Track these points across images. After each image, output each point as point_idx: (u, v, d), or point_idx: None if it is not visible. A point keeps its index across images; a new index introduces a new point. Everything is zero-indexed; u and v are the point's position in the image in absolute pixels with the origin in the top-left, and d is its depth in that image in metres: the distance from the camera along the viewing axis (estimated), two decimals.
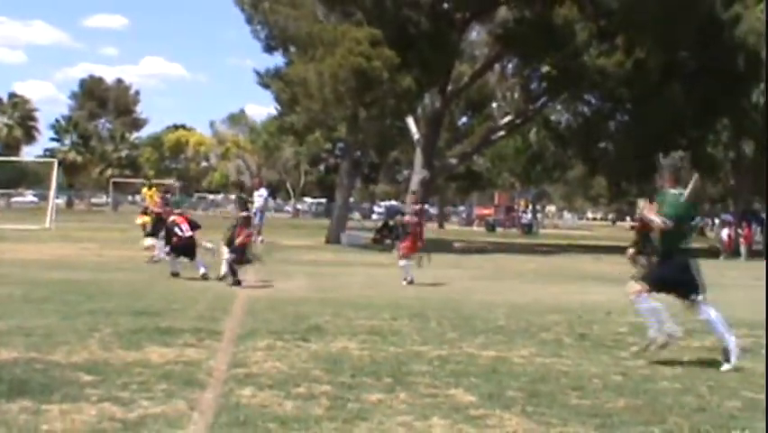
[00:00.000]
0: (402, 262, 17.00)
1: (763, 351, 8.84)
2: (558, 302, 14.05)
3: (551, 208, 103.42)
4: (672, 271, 8.39)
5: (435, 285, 16.66)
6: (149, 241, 19.00)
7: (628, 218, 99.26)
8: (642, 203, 9.36)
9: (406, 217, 17.95)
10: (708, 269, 9.20)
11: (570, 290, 16.70)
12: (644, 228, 17.83)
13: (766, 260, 21.71)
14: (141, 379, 6.83)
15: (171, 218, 16.90)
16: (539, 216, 79.19)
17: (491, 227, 61.61)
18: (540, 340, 9.65)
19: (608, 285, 18.02)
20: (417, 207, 18.07)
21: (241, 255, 15.35)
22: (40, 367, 7.17)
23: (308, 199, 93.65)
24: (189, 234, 16.49)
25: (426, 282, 16.53)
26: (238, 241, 15.30)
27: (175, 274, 16.16)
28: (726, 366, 8.14)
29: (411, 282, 16.48)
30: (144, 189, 23.74)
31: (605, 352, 8.93)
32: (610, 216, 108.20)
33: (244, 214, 16.30)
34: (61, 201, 65.13)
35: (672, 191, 8.44)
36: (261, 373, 7.23)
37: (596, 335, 10.20)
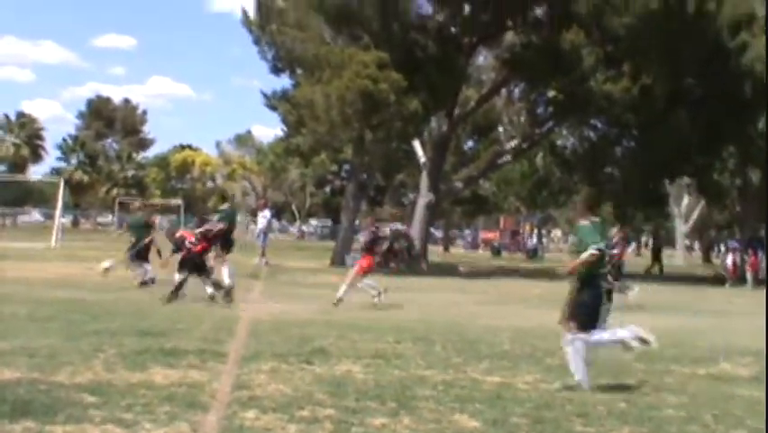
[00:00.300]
0: (363, 283, 17.04)
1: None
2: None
3: (556, 233, 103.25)
4: (595, 302, 8.36)
5: (440, 309, 16.62)
6: (106, 263, 19.09)
7: (634, 244, 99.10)
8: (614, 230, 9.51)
9: (362, 238, 18.17)
10: (714, 296, 9.20)
11: None
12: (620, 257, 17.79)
13: (767, 287, 21.62)
14: (145, 401, 6.82)
15: (178, 234, 16.98)
16: (544, 240, 79.09)
17: (497, 251, 61.49)
18: (545, 366, 9.62)
19: (611, 312, 17.97)
20: (373, 228, 18.24)
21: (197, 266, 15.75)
22: (43, 388, 7.16)
23: (314, 221, 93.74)
24: (198, 247, 16.59)
25: (431, 306, 16.49)
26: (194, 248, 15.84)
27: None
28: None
29: (340, 301, 16.33)
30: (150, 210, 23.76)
31: (611, 378, 8.89)
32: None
33: (202, 229, 16.57)
34: (67, 220, 65.28)
35: (586, 222, 8.48)
36: (265, 396, 7.21)
37: (601, 361, 10.15)
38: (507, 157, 39.19)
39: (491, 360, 9.86)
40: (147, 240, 19.02)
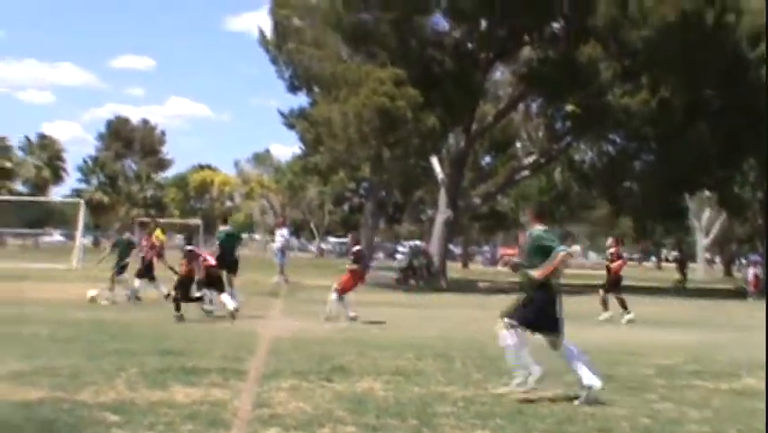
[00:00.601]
0: (333, 297, 17.03)
1: None
2: (582, 343, 13.90)
3: (575, 248, 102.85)
4: (547, 306, 8.45)
5: (460, 325, 16.59)
6: (92, 292, 19.30)
7: (653, 258, 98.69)
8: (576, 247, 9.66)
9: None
10: (735, 310, 9.15)
11: (594, 331, 16.56)
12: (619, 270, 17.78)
13: (766, 298, 21.41)
14: (167, 419, 6.84)
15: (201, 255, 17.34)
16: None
17: (516, 267, 61.37)
18: (566, 381, 9.56)
19: (630, 326, 17.89)
20: (357, 248, 18.09)
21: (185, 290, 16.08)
22: (67, 407, 7.20)
23: (332, 239, 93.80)
24: (214, 263, 16.90)
25: (450, 322, 16.46)
26: (181, 271, 16.30)
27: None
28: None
29: (329, 319, 16.39)
30: (158, 232, 23.91)
31: (632, 394, 8.84)
32: (636, 256, 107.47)
33: (188, 248, 16.92)
34: (88, 241, 65.62)
35: (541, 227, 8.65)
36: (286, 414, 7.22)
37: (622, 376, 10.10)
38: (525, 172, 39.14)
39: (512, 375, 9.81)
40: (128, 259, 19.84)
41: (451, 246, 46.83)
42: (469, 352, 11.86)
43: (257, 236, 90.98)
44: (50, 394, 7.72)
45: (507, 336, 8.41)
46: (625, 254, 21.90)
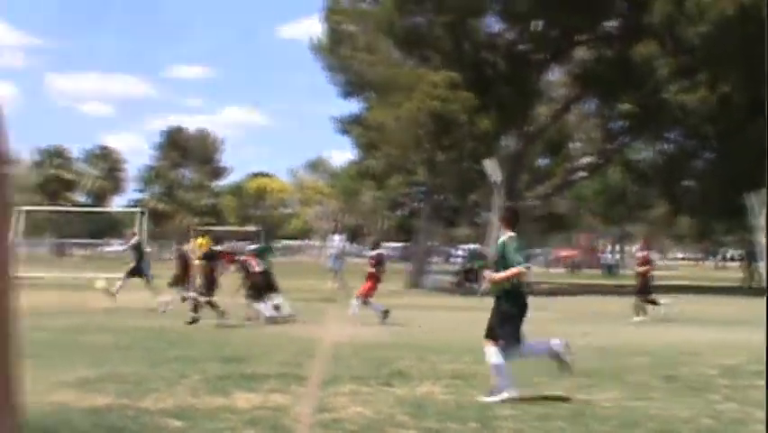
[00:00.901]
0: (355, 302, 17.55)
1: None
2: (643, 343, 13.77)
3: (632, 249, 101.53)
4: (521, 312, 8.63)
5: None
6: (101, 283, 20.09)
7: (715, 257, 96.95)
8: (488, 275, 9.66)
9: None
10: None
11: (653, 331, 16.37)
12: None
13: (766, 298, 20.93)
14: (230, 425, 6.94)
15: (241, 258, 17.65)
16: (620, 256, 77.93)
17: (575, 268, 60.83)
18: (628, 383, 9.48)
19: (692, 326, 17.64)
20: (376, 252, 18.28)
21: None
22: (132, 414, 7.34)
23: (387, 244, 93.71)
24: (261, 269, 17.19)
25: None
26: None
27: (272, 319, 16.64)
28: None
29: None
30: (199, 239, 24.24)
31: (694, 394, 8.72)
32: (697, 256, 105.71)
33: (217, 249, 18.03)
34: (150, 250, 66.56)
35: (511, 238, 8.73)
36: (347, 418, 7.26)
37: (684, 376, 9.97)
38: (582, 173, 38.80)
39: (571, 378, 9.75)
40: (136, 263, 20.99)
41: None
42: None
43: (315, 243, 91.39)
44: (115, 401, 7.87)
45: (494, 354, 8.48)
46: (653, 257, 21.97)
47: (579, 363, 11.04)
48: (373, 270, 17.72)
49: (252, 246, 20.29)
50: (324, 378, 9.45)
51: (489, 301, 9.01)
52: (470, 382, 9.35)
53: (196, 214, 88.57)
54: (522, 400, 8.28)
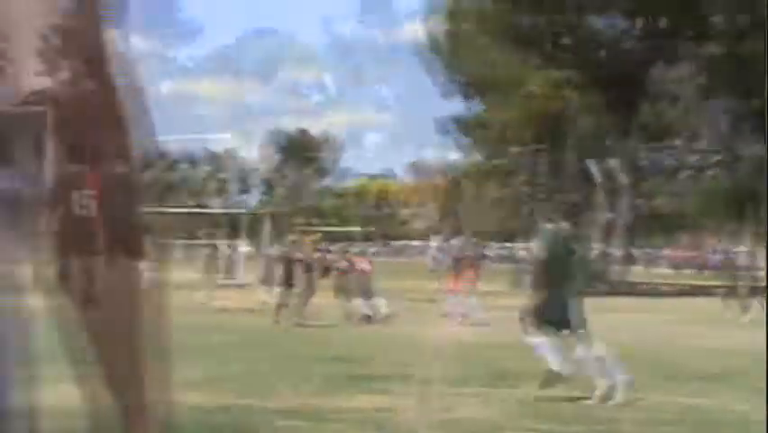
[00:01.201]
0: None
1: None
2: (757, 346, 13.32)
3: (741, 248, 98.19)
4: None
5: (632, 330, 16.21)
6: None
7: None
8: None
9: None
10: None
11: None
12: None
13: (766, 298, 19.87)
14: (354, 426, 7.03)
15: (345, 257, 18.14)
16: (738, 254, 75.56)
17: (701, 268, 59.60)
18: (753, 388, 9.19)
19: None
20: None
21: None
22: (257, 413, 7.52)
23: (494, 244, 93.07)
24: (367, 267, 17.51)
25: (625, 327, 16.09)
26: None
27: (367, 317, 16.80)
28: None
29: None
30: (306, 238, 24.51)
31: None
32: None
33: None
34: (273, 252, 67.62)
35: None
36: (466, 418, 7.28)
37: None
38: (693, 172, 37.88)
39: (693, 382, 9.54)
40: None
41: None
42: (646, 357, 11.56)
43: (433, 243, 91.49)
44: (241, 400, 8.07)
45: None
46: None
47: (696, 367, 10.78)
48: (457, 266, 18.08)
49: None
50: (443, 378, 9.47)
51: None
52: (589, 383, 9.23)
53: (318, 216, 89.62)
54: (648, 404, 8.14)
